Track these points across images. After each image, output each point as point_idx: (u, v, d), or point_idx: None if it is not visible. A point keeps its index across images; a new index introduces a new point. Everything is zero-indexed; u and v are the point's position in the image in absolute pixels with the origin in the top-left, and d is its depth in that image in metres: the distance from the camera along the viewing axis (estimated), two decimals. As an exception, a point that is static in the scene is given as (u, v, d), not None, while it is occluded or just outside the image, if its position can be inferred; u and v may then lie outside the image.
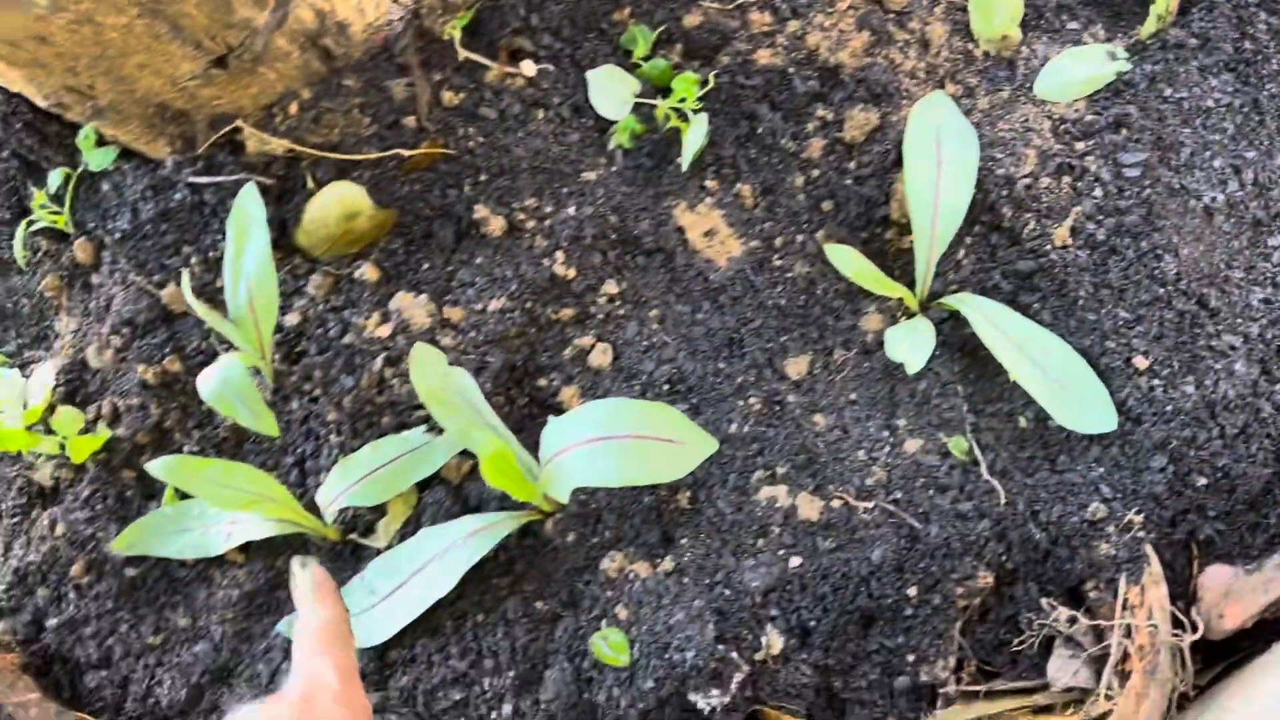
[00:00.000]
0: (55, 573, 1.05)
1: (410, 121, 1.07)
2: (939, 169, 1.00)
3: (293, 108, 1.05)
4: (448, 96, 1.08)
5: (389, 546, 1.02)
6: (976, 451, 0.98)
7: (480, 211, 1.05)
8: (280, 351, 1.07)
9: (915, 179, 1.00)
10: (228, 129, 1.04)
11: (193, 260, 1.08)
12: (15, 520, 1.09)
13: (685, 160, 1.04)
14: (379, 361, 1.02)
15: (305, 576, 0.83)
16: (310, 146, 1.06)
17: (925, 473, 0.97)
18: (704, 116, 1.04)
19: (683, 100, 1.05)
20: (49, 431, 1.05)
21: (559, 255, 1.05)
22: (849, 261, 0.99)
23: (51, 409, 1.07)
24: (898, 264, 1.05)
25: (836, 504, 0.96)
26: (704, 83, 1.08)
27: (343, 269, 1.07)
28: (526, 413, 1.05)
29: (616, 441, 0.89)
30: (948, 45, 1.10)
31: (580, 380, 1.04)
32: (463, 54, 1.06)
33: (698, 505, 0.99)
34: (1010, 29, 1.09)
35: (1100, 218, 0.98)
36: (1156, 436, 0.94)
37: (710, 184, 1.08)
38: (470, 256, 1.06)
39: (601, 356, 1.04)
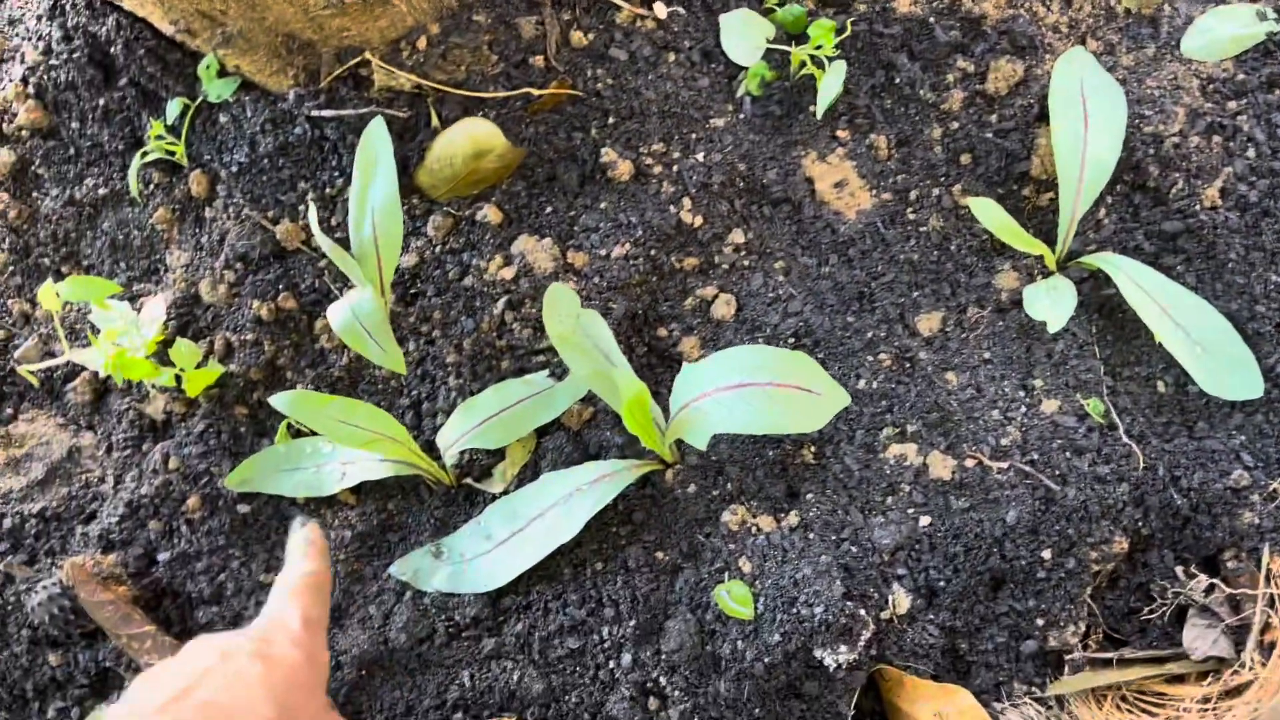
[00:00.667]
0: (167, 507, 1.05)
1: (538, 61, 1.05)
2: (1085, 124, 0.98)
3: (421, 42, 1.03)
4: (577, 36, 1.06)
5: (505, 492, 1.01)
6: (1114, 414, 0.96)
7: (607, 155, 1.03)
8: (396, 292, 1.06)
9: (1062, 133, 0.97)
10: (354, 62, 1.03)
11: (309, 196, 1.07)
12: (126, 453, 1.08)
13: (820, 108, 1.02)
14: (500, 304, 1.01)
15: (302, 533, 0.91)
16: (436, 83, 1.04)
17: (1062, 434, 0.95)
18: (841, 64, 1.02)
19: (819, 47, 1.03)
20: (165, 363, 1.04)
21: (685, 202, 1.03)
22: (991, 214, 0.97)
23: (166, 343, 1.06)
24: (1033, 222, 1.03)
25: (970, 463, 0.94)
26: (840, 29, 1.06)
27: (463, 210, 1.05)
28: (645, 362, 1.04)
29: (758, 389, 0.87)
30: (1091, 1, 1.07)
31: (701, 331, 1.03)
32: (593, -8, 1.04)
33: (823, 461, 0.97)
34: (1155, -15, 1.06)
35: (1253, 179, 0.96)
36: (1306, 405, 0.92)
37: (842, 134, 1.06)
38: (594, 201, 1.04)
39: (725, 308, 1.02)
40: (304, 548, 0.89)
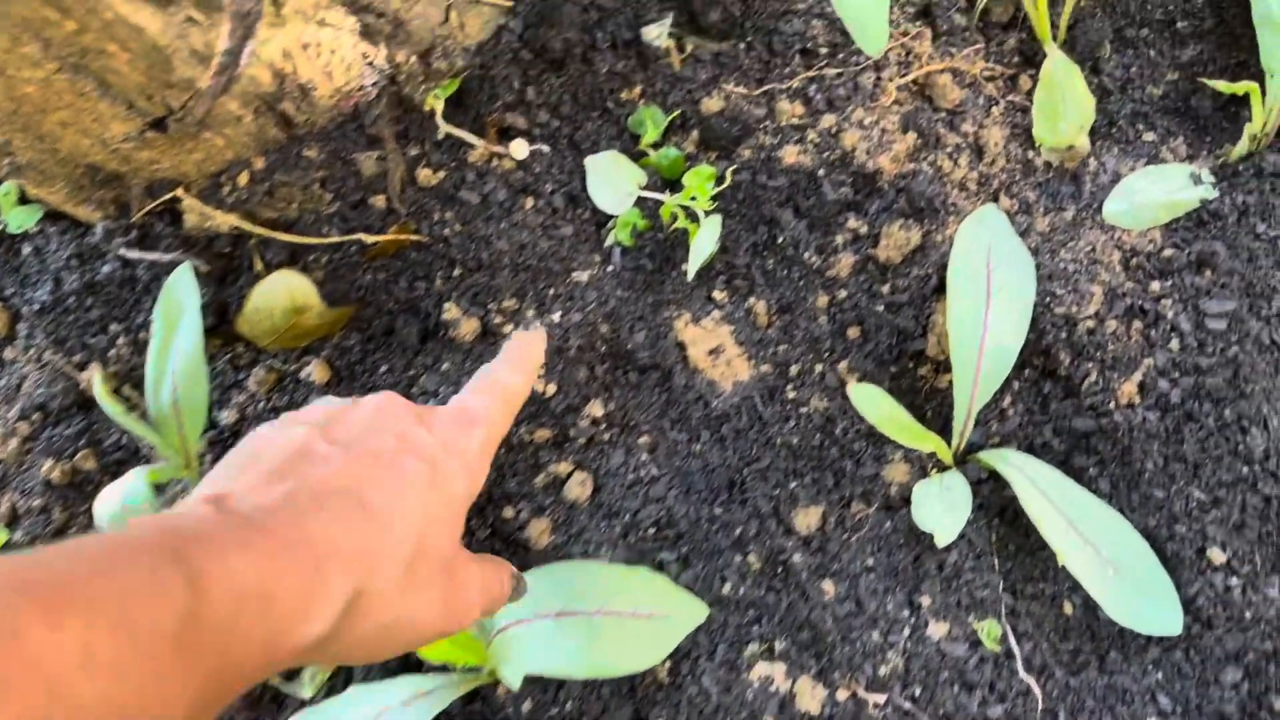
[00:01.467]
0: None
1: (379, 201, 0.94)
2: (988, 301, 0.86)
3: (243, 178, 0.91)
4: (424, 175, 0.94)
5: (314, 699, 0.87)
6: (1012, 641, 0.83)
7: (451, 311, 0.91)
8: (214, 452, 0.93)
9: (959, 311, 0.86)
10: (166, 198, 0.91)
11: (120, 341, 0.95)
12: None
13: (692, 267, 0.90)
14: (320, 478, 0.88)
15: (529, 336, 0.74)
16: (262, 223, 0.93)
17: (950, 664, 0.82)
18: (717, 218, 0.90)
19: (694, 198, 0.91)
20: (-66, 531, 0.91)
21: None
22: (875, 405, 0.84)
23: (-59, 504, 0.93)
24: (930, 405, 0.91)
25: (842, 695, 0.81)
26: (720, 179, 0.94)
27: (290, 364, 0.93)
28: (488, 546, 0.91)
29: (582, 619, 0.74)
30: (1005, 152, 0.96)
31: (554, 513, 0.90)
32: (444, 128, 0.92)
33: (678, 680, 0.84)
34: (1078, 137, 0.95)
35: (1176, 375, 0.84)
36: (1230, 646, 0.79)
37: (719, 295, 0.94)
38: (435, 361, 0.92)
39: (580, 488, 0.90)
40: (520, 356, 0.71)
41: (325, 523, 0.50)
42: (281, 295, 0.88)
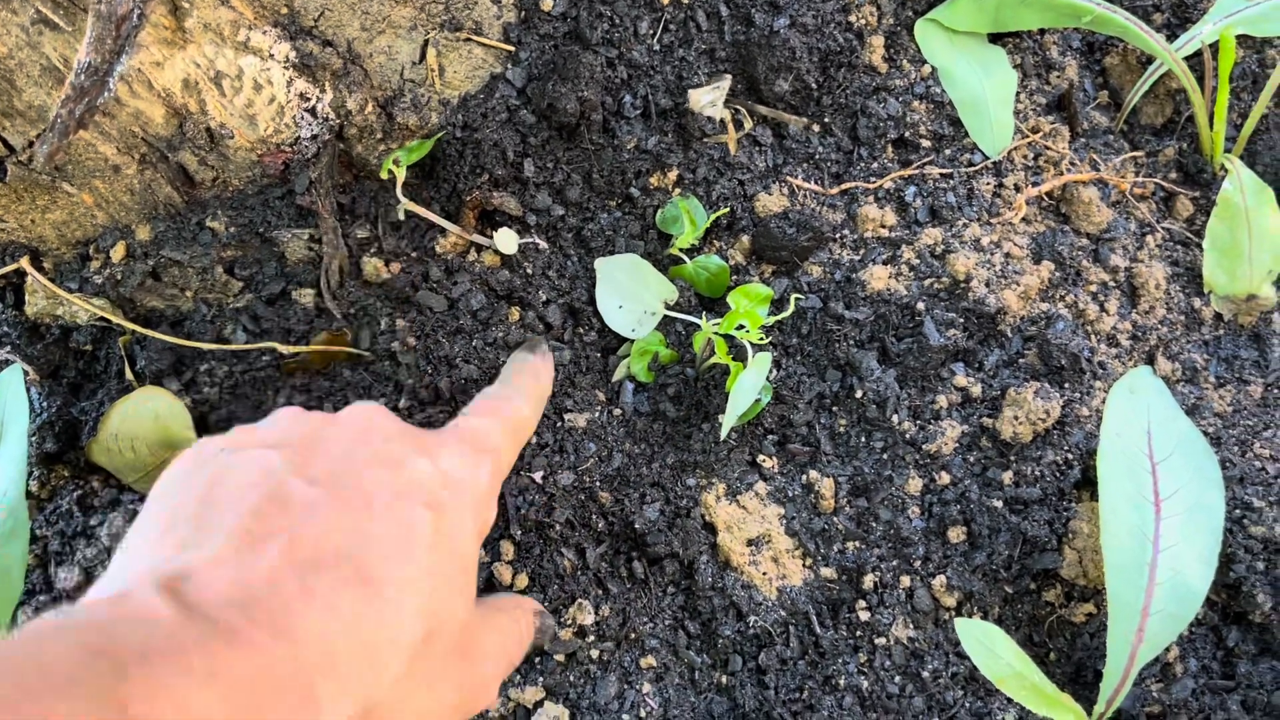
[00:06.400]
0: None
1: (306, 297, 0.70)
2: (1157, 511, 0.61)
3: (119, 251, 0.68)
4: (372, 267, 0.70)
5: None
6: None
7: (391, 457, 0.66)
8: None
9: (1115, 521, 0.61)
10: (9, 269, 0.67)
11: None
12: None
13: (729, 420, 0.65)
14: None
15: (535, 360, 0.65)
16: (140, 315, 0.68)
17: None
18: (768, 356, 0.66)
19: (741, 326, 0.67)
20: None
21: (504, 546, 0.66)
22: (993, 653, 0.60)
23: None
24: (1058, 647, 0.66)
25: None
26: (779, 303, 0.70)
27: (158, 513, 0.67)
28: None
29: None
30: (1165, 298, 0.72)
31: (511, 763, 0.64)
32: (405, 205, 0.69)
33: None
34: (1262, 286, 0.72)
35: None
36: None
37: (767, 463, 0.70)
38: (364, 527, 0.66)
39: (551, 727, 0.64)
40: (529, 382, 0.63)
41: (318, 618, 0.41)
42: (146, 421, 0.63)
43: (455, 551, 0.50)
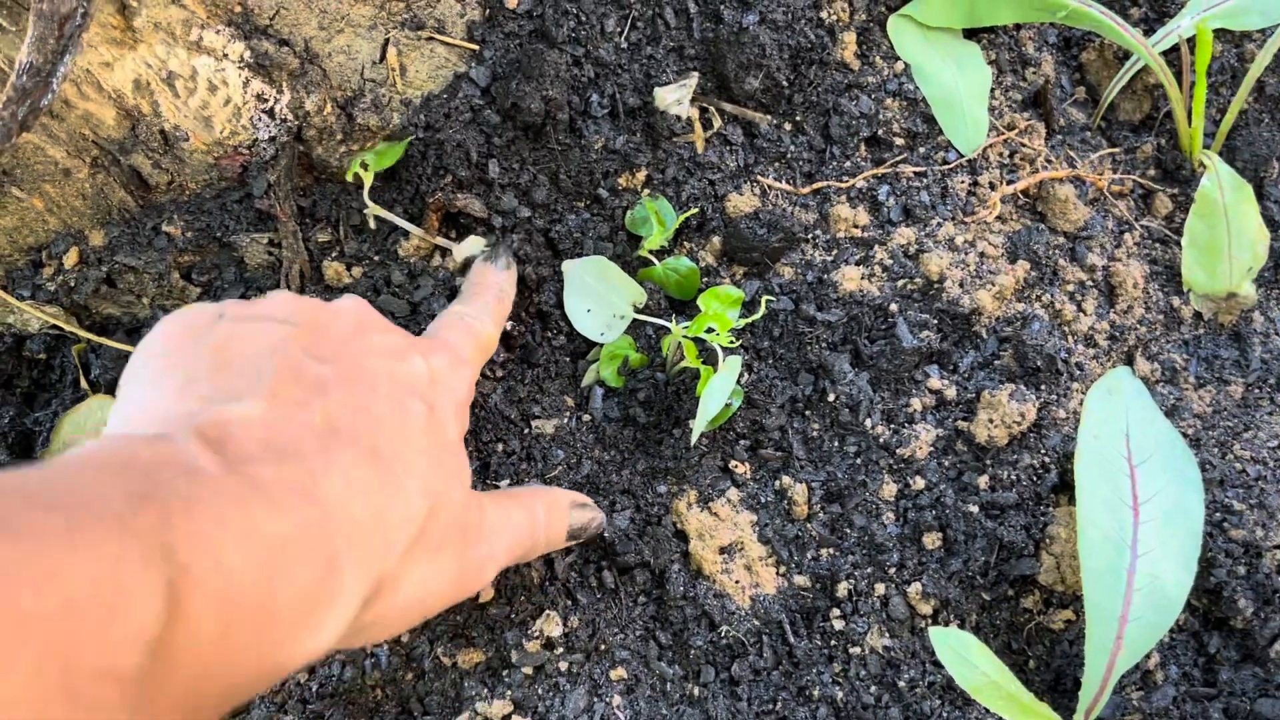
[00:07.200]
0: None
1: (265, 303, 0.68)
2: (1135, 515, 0.60)
3: (71, 258, 0.66)
4: (334, 271, 0.69)
5: None
6: None
7: (353, 467, 0.65)
8: None
9: (1093, 526, 0.60)
10: (-42, 277, 0.65)
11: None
12: None
13: (699, 425, 0.64)
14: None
15: (498, 274, 0.66)
16: (94, 322, 0.67)
17: None
18: (738, 359, 0.65)
19: (711, 329, 0.66)
20: None
21: (473, 557, 0.64)
22: (969, 662, 0.59)
23: None
24: (1037, 652, 0.65)
25: None
26: (749, 305, 0.69)
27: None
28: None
29: None
30: (1144, 296, 0.71)
31: (476, 776, 0.63)
32: (373, 209, 0.67)
33: None
34: (1242, 284, 0.71)
35: None
36: None
37: (740, 469, 0.68)
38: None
39: (518, 741, 0.63)
40: (493, 303, 0.64)
41: (341, 487, 0.43)
42: (96, 431, 0.62)
43: (446, 441, 0.52)
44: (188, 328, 0.49)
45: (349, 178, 0.68)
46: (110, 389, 0.67)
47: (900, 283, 0.69)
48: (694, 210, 0.72)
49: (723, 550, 0.67)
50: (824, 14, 0.76)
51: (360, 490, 0.44)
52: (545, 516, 0.60)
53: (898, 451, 0.66)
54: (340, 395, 0.47)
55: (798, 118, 0.75)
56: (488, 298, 0.65)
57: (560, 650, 0.66)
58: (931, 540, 0.65)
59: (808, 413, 0.69)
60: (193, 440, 0.39)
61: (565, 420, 0.70)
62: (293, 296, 0.53)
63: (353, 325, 0.52)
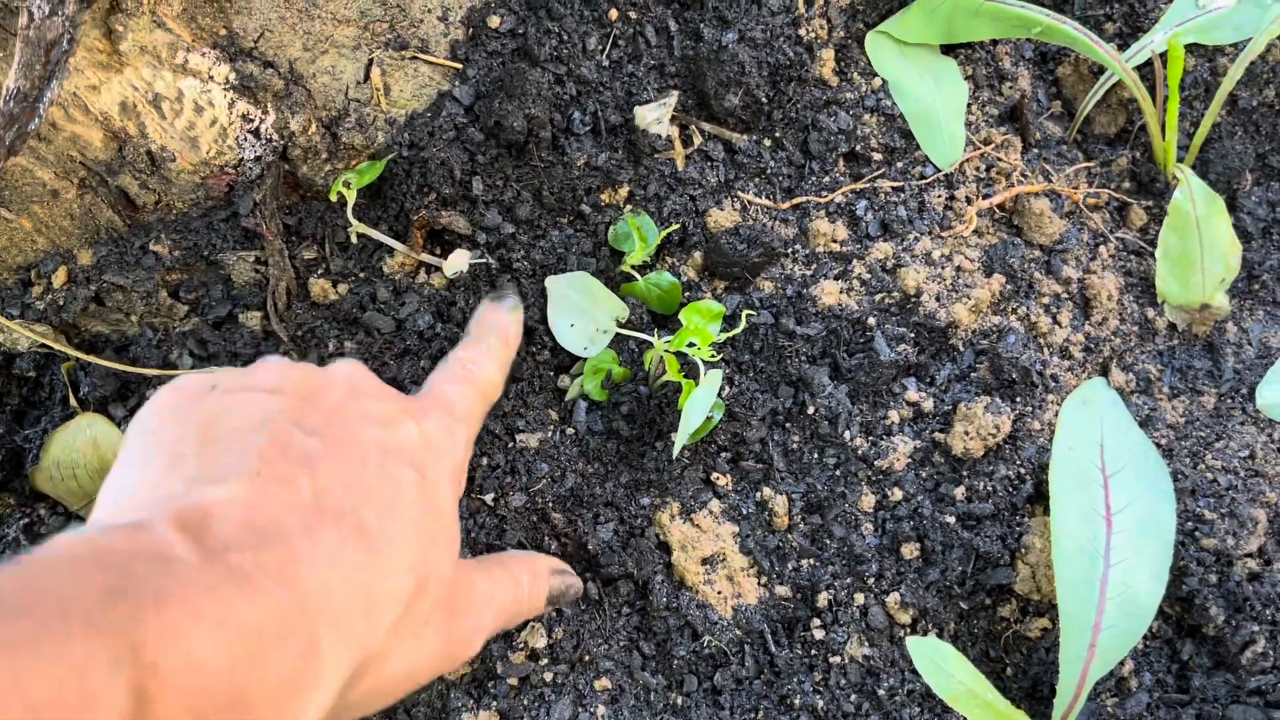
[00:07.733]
0: None
1: (253, 320, 0.69)
2: (1109, 525, 0.62)
3: (60, 277, 0.67)
4: (320, 288, 0.70)
5: None
6: None
7: (339, 482, 0.65)
8: None
9: (1067, 536, 0.62)
10: (-52, 296, 0.66)
11: None
12: None
13: (680, 438, 0.65)
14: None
15: (503, 315, 0.66)
16: (83, 341, 0.68)
17: None
18: (719, 373, 0.66)
19: (692, 343, 0.67)
20: None
21: (458, 570, 0.65)
22: (945, 671, 0.60)
23: None
24: (1015, 661, 0.66)
25: None
26: (730, 320, 0.70)
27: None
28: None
29: None
30: (1119, 308, 0.73)
31: (463, 787, 0.64)
32: (357, 227, 0.68)
33: None
34: (1215, 295, 0.72)
35: (1383, 650, 0.59)
36: None
37: (721, 481, 0.69)
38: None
39: (504, 751, 0.64)
40: (498, 345, 0.65)
41: (323, 568, 0.42)
42: (87, 449, 0.63)
43: (438, 510, 0.52)
44: (178, 403, 0.49)
45: (332, 197, 0.69)
46: (100, 406, 0.68)
47: (878, 296, 0.70)
48: (675, 226, 0.74)
49: (705, 561, 0.68)
50: (803, 31, 0.77)
51: (345, 570, 0.43)
52: (529, 583, 0.60)
53: (876, 463, 0.67)
54: (329, 468, 0.46)
55: (777, 134, 0.76)
56: (492, 340, 0.65)
57: (545, 661, 0.67)
58: (909, 550, 0.66)
59: (788, 425, 0.70)
60: (171, 528, 0.39)
61: (549, 434, 0.71)
62: (285, 364, 0.53)
63: (345, 392, 0.52)
